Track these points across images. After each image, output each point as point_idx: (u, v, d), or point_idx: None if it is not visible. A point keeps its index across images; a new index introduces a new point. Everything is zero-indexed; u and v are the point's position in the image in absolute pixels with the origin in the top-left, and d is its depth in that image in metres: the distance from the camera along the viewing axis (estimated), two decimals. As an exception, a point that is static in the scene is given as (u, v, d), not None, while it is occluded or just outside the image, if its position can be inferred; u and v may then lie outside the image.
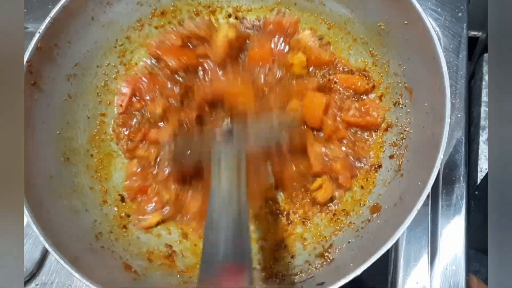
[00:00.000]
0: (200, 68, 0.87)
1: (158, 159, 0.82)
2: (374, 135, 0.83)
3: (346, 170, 0.80)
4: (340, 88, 0.84)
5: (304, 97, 0.82)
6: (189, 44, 0.88)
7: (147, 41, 0.90)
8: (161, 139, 0.81)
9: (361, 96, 0.84)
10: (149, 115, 0.83)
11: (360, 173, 0.81)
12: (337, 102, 0.82)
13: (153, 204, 0.80)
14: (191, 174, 0.79)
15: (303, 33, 0.88)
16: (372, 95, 0.84)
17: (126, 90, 0.86)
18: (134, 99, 0.87)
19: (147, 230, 0.80)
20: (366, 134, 0.83)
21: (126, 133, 0.85)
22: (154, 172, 0.82)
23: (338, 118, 0.81)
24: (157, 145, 0.82)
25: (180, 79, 0.86)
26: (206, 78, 0.87)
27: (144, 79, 0.85)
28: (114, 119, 0.86)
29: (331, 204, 0.79)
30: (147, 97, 0.85)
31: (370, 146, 0.82)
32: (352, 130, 0.83)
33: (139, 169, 0.83)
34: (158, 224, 0.80)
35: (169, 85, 0.85)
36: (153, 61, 0.89)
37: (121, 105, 0.86)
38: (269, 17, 0.91)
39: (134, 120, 0.85)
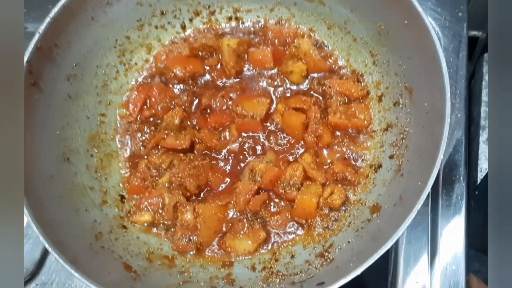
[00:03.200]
0: (207, 75, 0.90)
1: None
2: (373, 134, 0.83)
3: (348, 167, 0.81)
4: (334, 94, 0.85)
5: (283, 116, 0.84)
6: (199, 53, 0.91)
7: (147, 41, 0.90)
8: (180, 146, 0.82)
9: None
10: (165, 124, 0.84)
11: (361, 169, 0.81)
12: (318, 115, 0.82)
13: (152, 200, 0.80)
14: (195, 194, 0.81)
15: (302, 39, 0.88)
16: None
17: (137, 98, 0.87)
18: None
19: (147, 230, 0.80)
20: (359, 135, 0.84)
21: (142, 139, 0.86)
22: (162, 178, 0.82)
23: (319, 131, 0.82)
24: (170, 154, 0.83)
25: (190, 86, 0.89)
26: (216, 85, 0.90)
27: (155, 88, 0.86)
28: (124, 125, 0.87)
29: (344, 207, 0.79)
30: (159, 106, 0.86)
31: (366, 143, 0.83)
32: (341, 133, 0.84)
33: (144, 171, 0.83)
34: (149, 224, 0.80)
35: (181, 96, 0.88)
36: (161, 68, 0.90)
37: (131, 114, 0.86)
38: (269, 23, 0.92)
39: (146, 128, 0.86)
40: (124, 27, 0.87)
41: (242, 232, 0.78)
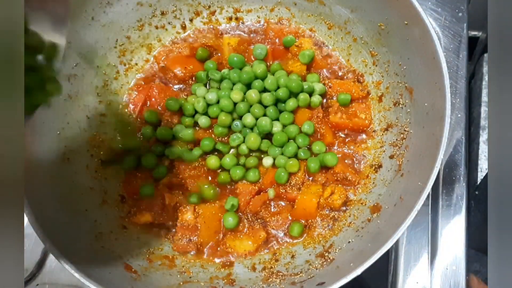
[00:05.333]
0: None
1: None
2: (373, 134, 0.83)
3: (348, 167, 0.81)
4: (335, 94, 0.85)
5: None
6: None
7: (147, 42, 0.90)
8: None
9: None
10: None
11: (361, 169, 0.81)
12: (320, 115, 0.82)
13: (152, 201, 0.80)
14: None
15: (303, 39, 0.88)
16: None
17: (137, 98, 0.87)
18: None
19: (147, 230, 0.80)
20: (360, 135, 0.84)
21: None
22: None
23: (322, 130, 0.82)
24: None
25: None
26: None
27: (155, 88, 0.86)
28: None
29: (346, 207, 0.79)
30: (159, 106, 0.86)
31: (366, 143, 0.83)
32: (342, 133, 0.84)
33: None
34: (149, 224, 0.79)
35: (181, 96, 0.87)
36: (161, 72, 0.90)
37: (131, 114, 0.86)
38: (270, 22, 0.92)
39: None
40: (125, 27, 0.87)
41: (242, 232, 0.78)
